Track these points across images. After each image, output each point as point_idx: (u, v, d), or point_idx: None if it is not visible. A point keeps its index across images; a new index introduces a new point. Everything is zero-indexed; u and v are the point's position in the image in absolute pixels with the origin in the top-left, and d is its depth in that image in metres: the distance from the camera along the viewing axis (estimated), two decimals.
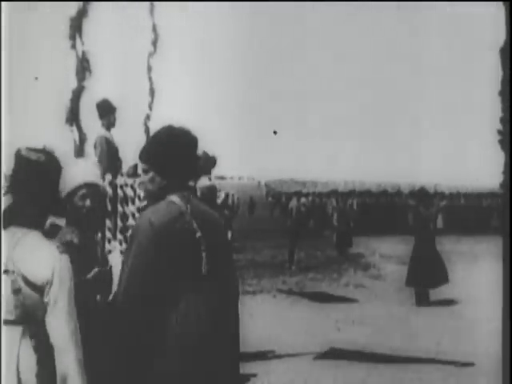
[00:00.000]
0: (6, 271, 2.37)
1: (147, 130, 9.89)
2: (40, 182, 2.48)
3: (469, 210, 19.64)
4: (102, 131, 6.60)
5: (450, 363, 6.85)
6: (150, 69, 10.18)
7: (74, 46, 8.32)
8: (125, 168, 6.84)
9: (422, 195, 10.66)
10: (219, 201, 6.82)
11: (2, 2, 3.38)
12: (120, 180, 6.24)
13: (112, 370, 2.51)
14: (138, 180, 6.31)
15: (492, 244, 8.80)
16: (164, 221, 2.54)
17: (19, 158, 2.48)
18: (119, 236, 5.92)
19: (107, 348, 2.57)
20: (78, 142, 8.25)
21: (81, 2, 8.21)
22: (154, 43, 10.17)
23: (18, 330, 2.38)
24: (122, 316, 2.52)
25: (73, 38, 8.27)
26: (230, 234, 6.83)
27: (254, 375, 6.32)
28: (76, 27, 8.25)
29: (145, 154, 2.72)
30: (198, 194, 5.40)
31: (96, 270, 2.94)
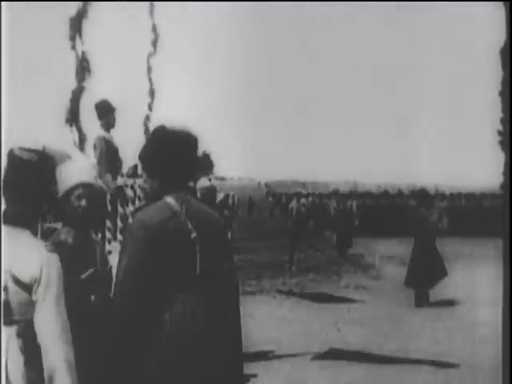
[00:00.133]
0: None
1: (147, 131, 9.89)
2: (32, 182, 2.48)
3: (469, 211, 19.64)
4: (102, 132, 6.59)
5: (450, 364, 6.85)
6: (149, 69, 10.18)
7: (73, 46, 8.33)
8: (125, 168, 6.83)
9: (423, 196, 10.65)
10: (218, 201, 6.81)
11: (2, 2, 3.38)
12: (120, 180, 6.24)
13: (106, 369, 2.51)
14: (137, 181, 6.31)
15: (492, 245, 8.79)
16: (156, 221, 2.56)
17: (12, 157, 2.49)
18: (119, 236, 5.92)
19: (101, 348, 2.57)
20: (77, 143, 8.25)
21: (81, 2, 8.22)
22: (154, 43, 10.17)
23: (5, 330, 2.36)
24: (117, 315, 2.53)
25: (73, 38, 8.28)
26: (229, 235, 6.82)
27: (254, 375, 6.31)
28: (76, 27, 8.25)
29: (141, 156, 2.74)
30: (198, 194, 5.40)
31: (91, 270, 2.94)
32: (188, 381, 2.52)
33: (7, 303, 2.35)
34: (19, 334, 2.37)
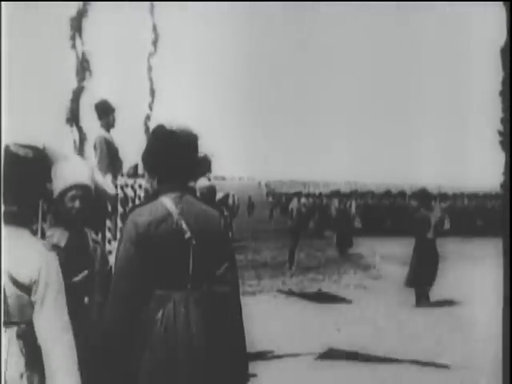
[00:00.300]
0: None
1: (147, 131, 9.89)
2: (28, 179, 2.43)
3: (469, 211, 19.64)
4: (102, 132, 6.60)
5: (450, 364, 6.85)
6: (149, 69, 10.18)
7: (73, 46, 8.33)
8: (125, 168, 6.83)
9: (423, 196, 10.65)
10: (217, 200, 6.80)
11: (2, 2, 3.37)
12: (120, 180, 6.24)
13: (98, 369, 2.51)
14: (138, 180, 6.32)
15: (492, 245, 8.79)
16: (147, 221, 2.57)
17: (8, 154, 2.44)
18: (119, 236, 5.91)
19: (94, 349, 2.57)
20: (77, 143, 8.25)
21: (81, 2, 8.22)
22: (154, 43, 10.17)
23: (4, 331, 2.32)
24: (108, 314, 2.54)
25: (73, 38, 8.28)
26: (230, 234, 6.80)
27: (254, 375, 6.31)
28: (76, 27, 8.25)
29: (142, 155, 2.75)
30: (198, 194, 5.39)
31: (85, 272, 2.93)
32: (180, 380, 2.52)
33: (5, 304, 2.30)
34: (19, 336, 2.33)
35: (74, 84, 8.28)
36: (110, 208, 5.76)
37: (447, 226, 10.33)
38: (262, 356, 7.01)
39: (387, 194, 20.31)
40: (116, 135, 6.72)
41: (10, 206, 2.40)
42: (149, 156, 2.72)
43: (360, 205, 18.20)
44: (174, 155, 2.66)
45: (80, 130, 8.27)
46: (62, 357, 2.33)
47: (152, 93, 10.21)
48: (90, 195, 3.01)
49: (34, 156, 2.45)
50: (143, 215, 2.60)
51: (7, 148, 2.45)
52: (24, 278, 2.33)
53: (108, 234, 5.88)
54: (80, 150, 8.01)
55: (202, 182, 5.40)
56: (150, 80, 10.18)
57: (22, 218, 2.42)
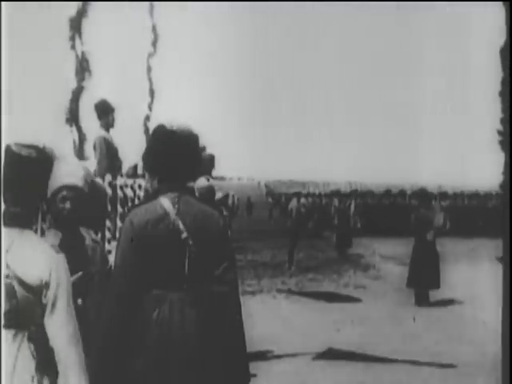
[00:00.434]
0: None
1: (147, 131, 9.90)
2: (31, 179, 2.39)
3: (469, 211, 19.62)
4: (101, 132, 6.60)
5: (450, 363, 6.85)
6: (149, 69, 10.19)
7: (73, 47, 8.33)
8: (125, 168, 6.83)
9: (423, 196, 10.65)
10: (216, 200, 6.80)
11: (2, 2, 3.37)
12: (120, 180, 6.24)
13: (93, 369, 2.50)
14: (137, 180, 6.31)
15: (492, 245, 8.79)
16: (144, 221, 2.58)
17: (10, 154, 2.38)
18: (118, 236, 5.91)
19: (88, 350, 2.56)
20: (77, 143, 8.26)
21: (81, 2, 8.22)
22: (154, 43, 10.18)
23: (13, 334, 2.28)
24: (105, 312, 2.55)
25: (73, 38, 8.28)
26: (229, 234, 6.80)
27: (254, 375, 6.30)
28: (76, 27, 8.26)
29: (142, 155, 2.75)
30: (197, 194, 5.38)
31: (79, 274, 2.92)
32: (175, 380, 2.52)
33: (14, 306, 2.26)
34: (30, 339, 2.30)
35: (73, 84, 8.29)
36: (109, 208, 5.77)
37: (447, 225, 10.32)
38: (262, 356, 7.01)
39: (387, 193, 20.30)
40: (116, 135, 6.72)
41: (13, 207, 2.37)
42: (149, 156, 2.72)
43: (360, 205, 18.18)
44: (175, 155, 2.66)
45: (79, 129, 8.28)
46: (73, 358, 2.31)
47: (151, 93, 10.22)
48: (81, 196, 2.99)
49: (38, 156, 2.41)
50: (141, 215, 2.61)
51: (8, 148, 2.40)
52: (32, 279, 2.29)
53: (108, 234, 5.88)
54: (79, 150, 8.01)
55: (201, 182, 5.39)
56: (150, 80, 10.19)
57: (24, 218, 2.38)
